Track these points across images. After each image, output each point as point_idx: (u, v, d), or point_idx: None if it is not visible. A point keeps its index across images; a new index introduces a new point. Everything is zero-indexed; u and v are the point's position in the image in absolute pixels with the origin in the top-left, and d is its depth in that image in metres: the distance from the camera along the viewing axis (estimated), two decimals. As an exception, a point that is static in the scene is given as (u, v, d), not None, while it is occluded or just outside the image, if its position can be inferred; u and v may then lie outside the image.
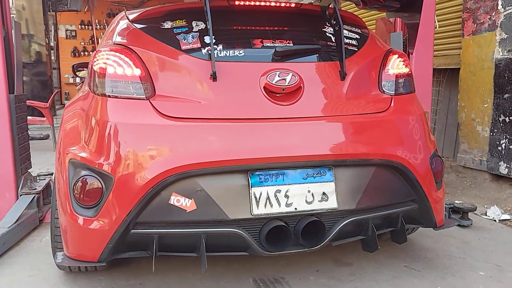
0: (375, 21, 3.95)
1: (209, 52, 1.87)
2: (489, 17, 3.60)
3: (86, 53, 12.50)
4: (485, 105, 3.65)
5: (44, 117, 6.18)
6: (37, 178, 3.25)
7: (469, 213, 2.86)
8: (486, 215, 3.10)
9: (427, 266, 2.26)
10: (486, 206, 3.28)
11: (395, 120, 1.99)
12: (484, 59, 3.64)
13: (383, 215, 1.93)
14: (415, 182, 1.94)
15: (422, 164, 1.97)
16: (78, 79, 3.81)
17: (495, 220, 3.02)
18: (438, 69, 4.36)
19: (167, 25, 2.00)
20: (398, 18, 3.31)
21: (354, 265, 2.27)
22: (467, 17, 3.83)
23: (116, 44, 1.95)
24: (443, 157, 4.42)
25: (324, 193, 1.81)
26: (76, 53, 12.61)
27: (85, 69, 2.96)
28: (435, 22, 3.41)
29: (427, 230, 2.60)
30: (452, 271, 2.20)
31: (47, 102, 6.22)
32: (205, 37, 1.92)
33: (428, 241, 2.59)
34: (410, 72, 2.16)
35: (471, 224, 2.83)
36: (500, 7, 3.50)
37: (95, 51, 1.98)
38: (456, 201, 3.06)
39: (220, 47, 1.92)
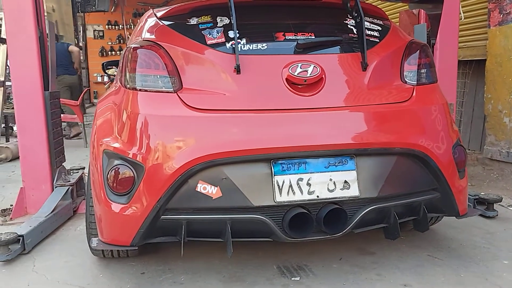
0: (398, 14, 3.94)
1: (233, 46, 1.94)
2: (516, 6, 3.55)
3: (113, 52, 12.79)
4: (512, 96, 3.60)
5: (74, 114, 6.40)
6: (71, 171, 3.40)
7: (494, 204, 2.85)
8: (513, 207, 3.07)
9: (450, 255, 2.27)
10: (513, 198, 3.24)
11: (417, 110, 2.01)
12: (511, 49, 3.59)
13: (405, 204, 1.96)
14: (437, 171, 1.96)
15: (445, 153, 1.99)
16: (106, 78, 3.96)
17: (522, 212, 2.99)
18: (464, 61, 4.30)
19: (193, 21, 2.08)
20: (421, 10, 3.31)
21: (377, 254, 2.30)
22: (493, 8, 3.77)
23: (145, 40, 2.04)
24: (469, 149, 4.37)
25: (346, 181, 1.85)
26: (104, 53, 12.92)
27: (114, 67, 3.08)
28: (460, 13, 3.39)
29: (451, 221, 2.63)
30: (475, 260, 2.21)
31: (77, 100, 6.44)
32: (229, 32, 2.00)
33: (452, 231, 2.59)
34: (432, 62, 2.17)
35: (497, 215, 2.82)
36: (527, -4, 3.44)
37: (125, 48, 2.08)
38: (481, 193, 3.05)
39: (244, 41, 1.99)
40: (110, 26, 12.85)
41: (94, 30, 13.02)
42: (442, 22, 3.18)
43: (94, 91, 12.62)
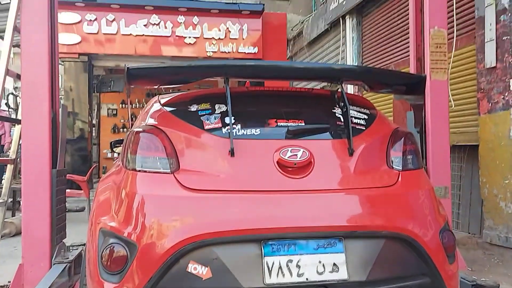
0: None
1: (229, 131, 2.09)
2: (502, 97, 3.75)
3: (125, 129, 13.28)
4: (506, 181, 3.67)
5: (81, 190, 6.53)
6: (70, 248, 3.43)
7: (492, 290, 2.79)
8: (514, 294, 3.01)
9: None
10: (514, 284, 3.18)
11: (403, 194, 2.09)
12: (501, 136, 3.73)
13: (394, 288, 1.96)
14: (425, 255, 1.98)
15: (432, 237, 2.03)
16: (115, 154, 4.14)
17: (523, 300, 2.93)
18: (458, 146, 4.45)
19: (193, 108, 2.25)
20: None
21: None
22: (482, 97, 3.98)
23: (148, 125, 2.21)
24: (469, 233, 4.35)
25: (334, 264, 1.88)
26: (116, 130, 13.42)
27: (121, 145, 3.25)
28: (450, 100, 3.59)
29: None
30: None
31: (85, 176, 6.60)
32: (225, 118, 2.15)
33: (449, 318, 2.52)
34: (417, 149, 2.29)
35: (495, 302, 2.75)
36: (512, 87, 3.65)
37: (129, 132, 2.24)
38: (482, 278, 3.00)
39: (239, 126, 2.14)
40: (123, 105, 13.47)
41: (108, 109, 13.64)
42: (432, 109, 3.36)
43: (103, 166, 12.90)
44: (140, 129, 2.14)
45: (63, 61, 9.81)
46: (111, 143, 3.54)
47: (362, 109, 2.39)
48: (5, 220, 5.15)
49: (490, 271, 3.57)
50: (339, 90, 2.30)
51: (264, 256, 1.84)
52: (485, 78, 3.97)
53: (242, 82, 3.55)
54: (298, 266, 1.86)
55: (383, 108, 6.00)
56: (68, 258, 3.13)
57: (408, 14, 3.65)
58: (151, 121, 2.27)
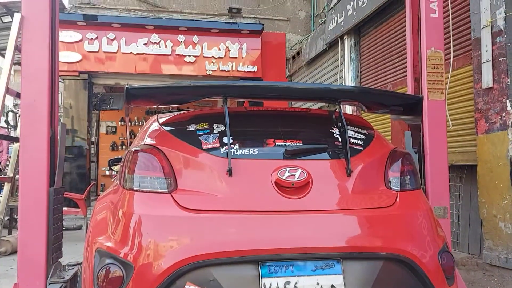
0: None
1: (227, 151, 2.09)
2: (499, 117, 3.77)
3: (124, 147, 13.28)
4: (505, 202, 3.66)
5: (79, 208, 6.49)
6: (66, 267, 3.39)
7: (493, 313, 2.77)
8: (515, 317, 2.97)
9: None
10: (514, 306, 3.14)
11: (401, 215, 2.09)
12: (499, 156, 3.74)
13: (393, 310, 1.94)
14: (424, 277, 1.97)
15: (431, 259, 2.01)
16: (114, 172, 4.14)
17: (524, 322, 2.89)
18: (457, 165, 4.45)
19: (192, 127, 2.26)
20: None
21: None
22: (479, 117, 4.01)
23: (146, 144, 2.21)
24: (468, 253, 4.32)
25: (333, 286, 1.86)
26: (115, 147, 13.42)
27: (119, 164, 3.25)
28: (448, 120, 3.60)
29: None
30: None
31: (83, 194, 6.57)
32: (223, 138, 2.16)
33: None
34: (415, 170, 2.29)
35: (496, 325, 2.72)
36: (509, 108, 3.68)
37: (127, 151, 2.24)
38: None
39: (237, 146, 2.14)
40: (122, 122, 13.50)
41: (107, 126, 13.66)
42: (430, 129, 3.37)
43: (101, 184, 12.85)
44: (138, 149, 2.15)
45: (63, 79, 9.87)
46: (109, 161, 3.54)
47: (360, 129, 2.40)
48: (1, 238, 5.11)
49: (490, 292, 3.54)
50: (337, 110, 2.31)
51: (261, 278, 1.83)
52: (482, 99, 4.00)
53: (241, 102, 3.57)
54: (296, 288, 1.84)
55: (381, 127, 6.02)
56: (63, 278, 3.09)
57: (405, 35, 3.70)
58: (149, 140, 2.28)
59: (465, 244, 4.37)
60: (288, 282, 1.85)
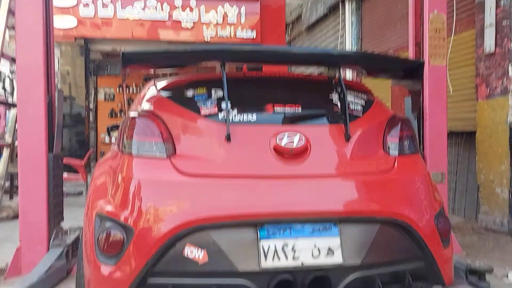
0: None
1: (225, 116, 2.08)
2: (501, 82, 3.74)
3: (122, 114, 13.21)
4: (503, 167, 3.69)
5: (79, 174, 6.54)
6: (68, 231, 3.45)
7: (486, 274, 2.83)
8: (507, 278, 3.04)
9: (440, 327, 2.24)
10: (508, 269, 3.21)
11: (399, 180, 2.10)
12: (499, 122, 3.73)
13: (389, 272, 1.98)
14: (420, 240, 2.00)
15: (427, 222, 2.04)
16: (113, 139, 4.13)
17: (516, 284, 2.97)
18: (456, 132, 4.45)
19: (190, 92, 2.24)
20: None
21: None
22: (480, 82, 3.97)
23: (144, 110, 2.19)
24: (464, 218, 4.39)
25: (329, 248, 1.90)
26: (113, 114, 13.35)
27: (118, 130, 3.24)
28: (448, 86, 3.57)
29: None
30: (464, 332, 2.19)
31: (83, 160, 6.61)
32: (222, 103, 2.14)
33: (443, 302, 2.56)
34: (413, 135, 2.29)
35: (489, 286, 2.79)
36: (511, 73, 3.64)
37: (125, 116, 2.23)
38: (476, 262, 3.04)
39: (235, 111, 2.13)
40: (120, 89, 13.37)
41: (105, 93, 13.55)
42: (430, 95, 3.36)
43: (101, 151, 12.88)
44: (136, 114, 2.13)
45: (59, 44, 9.71)
46: (107, 127, 3.53)
47: (360, 95, 2.37)
48: (2, 203, 5.17)
49: (485, 255, 3.61)
50: (337, 75, 2.29)
51: (260, 240, 1.85)
52: (483, 64, 3.95)
53: (240, 68, 3.53)
54: (293, 250, 1.87)
55: (381, 93, 5.98)
56: (65, 241, 3.15)
57: (407, -2, 3.61)
58: (147, 106, 2.26)
59: (461, 209, 4.43)
60: (286, 244, 1.88)
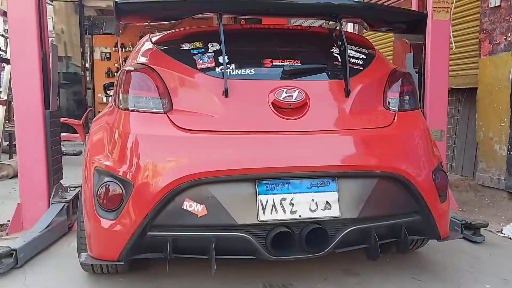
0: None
1: (222, 70, 2.04)
2: (505, 37, 3.66)
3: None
4: (502, 124, 3.67)
5: (77, 133, 6.52)
6: (68, 188, 3.47)
7: (481, 229, 2.88)
8: (502, 233, 3.10)
9: (434, 278, 2.30)
10: (502, 224, 3.27)
11: (398, 135, 2.09)
12: (501, 78, 3.68)
13: (385, 225, 2.01)
14: (417, 194, 2.01)
15: (425, 177, 2.05)
16: (110, 98, 4.09)
17: (510, 238, 3.02)
18: (457, 89, 4.40)
19: (186, 46, 2.19)
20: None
21: (361, 275, 2.34)
22: (484, 38, 3.89)
23: (139, 64, 2.15)
24: (462, 175, 4.42)
25: (327, 202, 1.91)
26: (110, 74, 13.17)
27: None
28: (451, 42, 3.50)
29: (439, 245, 2.67)
30: (457, 283, 2.25)
31: (81, 120, 6.57)
32: (219, 57, 2.09)
33: (438, 255, 2.63)
34: (414, 90, 2.26)
35: (483, 240, 2.85)
36: (515, 27, 3.55)
37: (120, 70, 2.19)
38: (470, 218, 3.08)
39: (233, 66, 2.09)
40: (116, 48, 13.13)
41: (101, 52, 13.31)
42: (432, 50, 3.28)
43: (98, 111, 12.82)
44: (132, 68, 2.09)
45: (52, 1, 9.44)
46: (104, 85, 3.48)
47: (361, 49, 2.32)
48: (1, 162, 5.19)
49: (480, 212, 3.66)
50: (338, 28, 2.22)
51: (258, 195, 1.86)
52: (488, 18, 3.85)
53: (238, 20, 3.44)
54: (291, 204, 1.89)
55: (382, 48, 5.88)
56: (65, 198, 3.18)
57: None
58: (142, 59, 2.21)
59: (459, 166, 4.46)
60: (284, 199, 1.89)
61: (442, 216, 2.12)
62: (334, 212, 1.90)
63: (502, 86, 3.67)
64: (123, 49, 12.94)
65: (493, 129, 3.80)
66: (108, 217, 1.89)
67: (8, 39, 6.52)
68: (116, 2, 2.03)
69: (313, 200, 1.90)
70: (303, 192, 1.91)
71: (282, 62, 2.13)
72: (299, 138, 1.97)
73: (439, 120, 3.38)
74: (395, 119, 2.12)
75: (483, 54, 3.91)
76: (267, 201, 1.87)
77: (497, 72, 3.73)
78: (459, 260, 2.56)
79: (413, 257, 2.58)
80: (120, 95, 2.06)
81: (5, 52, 6.38)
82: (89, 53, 12.58)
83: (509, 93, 3.59)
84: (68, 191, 3.43)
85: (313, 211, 1.89)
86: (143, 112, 1.98)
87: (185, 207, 1.83)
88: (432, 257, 2.60)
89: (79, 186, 3.52)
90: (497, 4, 3.71)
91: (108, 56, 13.24)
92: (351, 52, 2.23)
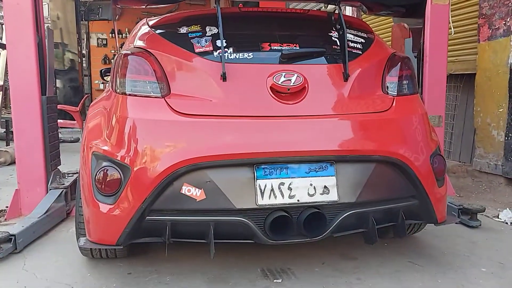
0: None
1: (220, 54, 2.02)
2: (504, 22, 3.63)
3: (116, 60, 12.93)
4: (500, 110, 3.67)
5: (74, 120, 6.50)
6: (66, 175, 3.47)
7: (478, 214, 2.90)
8: (498, 218, 3.12)
9: (431, 262, 2.32)
10: (499, 209, 3.29)
11: (396, 119, 2.08)
12: (499, 64, 3.67)
13: (383, 209, 2.02)
14: (415, 179, 2.02)
15: (423, 161, 2.05)
16: (107, 85, 4.07)
17: (506, 223, 3.04)
18: (455, 75, 4.39)
19: (183, 30, 2.17)
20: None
21: (359, 259, 2.36)
22: (483, 23, 3.86)
23: (137, 47, 2.13)
24: (459, 161, 4.44)
25: (325, 187, 1.92)
26: (107, 60, 13.05)
27: (111, 73, 3.17)
28: (450, 28, 3.47)
29: (435, 230, 2.69)
30: (454, 267, 2.26)
31: (78, 106, 6.54)
32: (217, 41, 2.08)
33: (435, 240, 2.65)
34: (413, 74, 2.25)
35: (480, 225, 2.87)
36: (515, 12, 3.53)
37: (117, 55, 2.17)
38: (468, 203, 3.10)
39: (231, 49, 2.07)
40: (114, 34, 13.00)
41: (97, 38, 13.17)
42: (431, 35, 3.26)
43: (95, 98, 12.76)
44: (129, 52, 2.07)
45: (47, -14, 9.31)
46: (101, 71, 3.46)
47: (360, 33, 2.31)
48: (-1, 148, 5.17)
49: (477, 197, 3.68)
50: (337, 11, 2.20)
51: (256, 179, 1.87)
52: (487, 3, 3.83)
53: (236, 3, 3.40)
54: (289, 189, 1.89)
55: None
56: (63, 184, 3.18)
57: None
58: (139, 43, 2.19)
59: (456, 152, 4.47)
60: (282, 183, 1.89)
61: (440, 200, 2.13)
62: (332, 196, 1.91)
63: (500, 71, 3.66)
64: (120, 35, 12.83)
65: (491, 115, 3.80)
66: (106, 202, 1.89)
67: (3, 25, 6.46)
68: (112, -16, 2.00)
69: (311, 184, 1.91)
70: (301, 177, 1.92)
71: (280, 46, 2.11)
72: (297, 122, 1.97)
73: (437, 106, 3.38)
74: (394, 104, 2.11)
75: (482, 39, 3.89)
76: (265, 185, 1.87)
77: (495, 57, 3.72)
78: (456, 244, 2.58)
79: (411, 241, 2.60)
80: (117, 79, 2.04)
81: (1, 38, 6.32)
82: (85, 39, 12.47)
83: (508, 78, 3.58)
84: (66, 177, 3.43)
85: (311, 195, 1.90)
86: (141, 96, 1.97)
87: (183, 192, 1.83)
88: (429, 241, 2.62)
89: (77, 173, 3.52)
90: (497, -11, 3.69)
91: (105, 43, 13.11)
92: (350, 36, 2.21)
